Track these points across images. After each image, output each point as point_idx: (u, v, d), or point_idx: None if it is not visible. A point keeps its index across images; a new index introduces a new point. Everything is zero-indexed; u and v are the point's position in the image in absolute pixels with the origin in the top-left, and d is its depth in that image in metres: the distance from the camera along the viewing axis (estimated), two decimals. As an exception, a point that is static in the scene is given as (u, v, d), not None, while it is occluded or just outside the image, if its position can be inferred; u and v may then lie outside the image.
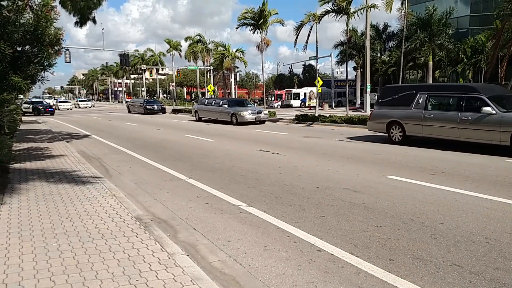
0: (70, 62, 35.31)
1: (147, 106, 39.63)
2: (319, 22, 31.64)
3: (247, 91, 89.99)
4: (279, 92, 58.95)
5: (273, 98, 56.02)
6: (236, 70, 59.36)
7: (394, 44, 46.25)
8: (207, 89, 46.58)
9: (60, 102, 58.77)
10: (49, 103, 46.96)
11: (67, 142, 15.39)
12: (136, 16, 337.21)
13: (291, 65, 79.43)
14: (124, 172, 9.50)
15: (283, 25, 50.93)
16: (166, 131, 20.25)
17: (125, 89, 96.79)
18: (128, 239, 4.69)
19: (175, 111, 40.11)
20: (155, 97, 73.87)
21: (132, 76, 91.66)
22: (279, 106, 50.78)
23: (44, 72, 9.29)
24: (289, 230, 5.19)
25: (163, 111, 40.08)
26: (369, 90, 33.73)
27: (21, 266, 3.94)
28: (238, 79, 66.63)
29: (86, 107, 61.41)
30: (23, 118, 30.45)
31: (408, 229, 5.11)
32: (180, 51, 64.41)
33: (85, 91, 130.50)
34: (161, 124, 24.88)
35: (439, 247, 4.50)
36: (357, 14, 31.65)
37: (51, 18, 8.77)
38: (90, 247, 4.45)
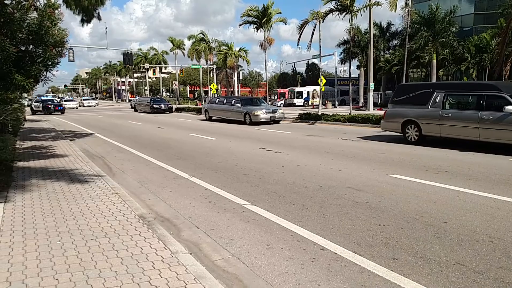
0: (73, 60, 35.21)
1: (154, 105, 38.55)
2: (323, 20, 31.60)
3: (250, 90, 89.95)
4: (282, 90, 58.93)
5: (276, 97, 56.02)
6: (239, 68, 59.26)
7: (397, 43, 46.07)
8: (210, 88, 46.50)
9: (65, 100, 58.61)
10: (59, 102, 46.25)
11: (71, 140, 15.43)
12: (139, 15, 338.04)
13: (294, 64, 79.50)
14: (127, 170, 9.52)
15: (286, 24, 50.96)
16: (169, 130, 20.28)
17: (128, 87, 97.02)
18: (131, 237, 4.70)
19: (178, 110, 40.12)
20: (158, 95, 73.91)
21: (135, 75, 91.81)
22: (282, 105, 50.73)
23: (47, 72, 9.34)
24: (292, 228, 5.18)
25: (170, 110, 39.01)
26: (373, 88, 33.66)
27: (25, 264, 3.96)
28: (241, 77, 66.58)
29: (90, 106, 61.61)
30: (30, 117, 30.59)
31: (412, 228, 5.10)
32: (184, 49, 64.47)
33: (88, 90, 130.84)
34: (165, 123, 24.91)
35: (442, 246, 4.49)
36: (361, 13, 31.62)
37: (55, 19, 8.81)
38: (93, 245, 4.46)
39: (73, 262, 4.01)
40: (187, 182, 8.13)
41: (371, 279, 3.78)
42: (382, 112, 26.53)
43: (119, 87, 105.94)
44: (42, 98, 46.95)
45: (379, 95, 47.51)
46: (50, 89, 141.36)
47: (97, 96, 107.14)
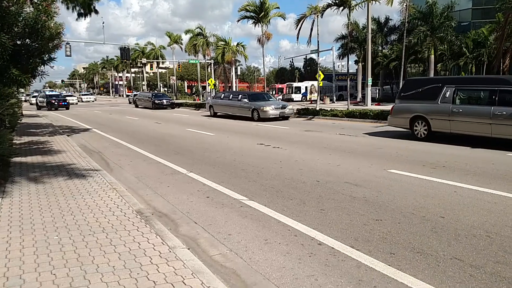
0: (70, 55, 35.07)
1: (156, 101, 37.01)
2: (322, 15, 31.52)
3: (248, 85, 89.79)
4: (280, 86, 58.86)
5: (274, 92, 55.89)
6: (237, 63, 59.13)
7: (395, 38, 45.99)
8: (208, 83, 46.44)
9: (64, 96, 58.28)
10: (64, 96, 42.91)
11: (68, 136, 15.39)
12: (136, 9, 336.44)
13: (292, 59, 79.27)
14: (125, 166, 9.50)
15: (284, 19, 50.73)
16: (167, 125, 20.24)
17: (125, 83, 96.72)
18: (129, 232, 4.70)
19: (176, 105, 39.90)
20: (156, 90, 73.70)
21: (132, 70, 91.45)
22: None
23: (44, 66, 9.30)
24: (290, 223, 5.19)
25: (172, 106, 37.62)
26: (371, 84, 33.63)
27: (22, 260, 3.95)
28: (239, 73, 66.41)
29: (89, 101, 61.43)
30: (28, 112, 30.41)
31: (409, 222, 5.11)
32: (181, 44, 64.20)
33: (85, 85, 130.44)
34: (162, 118, 24.86)
35: (439, 241, 4.50)
36: (359, 7, 31.54)
37: (51, 12, 8.75)
38: (91, 240, 4.46)
39: (71, 258, 4.00)
40: (185, 177, 8.13)
41: (368, 274, 3.79)
42: (380, 107, 26.61)
43: (117, 82, 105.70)
44: (47, 93, 44.70)
45: (377, 90, 47.53)
46: (47, 84, 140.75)
47: (94, 92, 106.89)
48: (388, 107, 26.95)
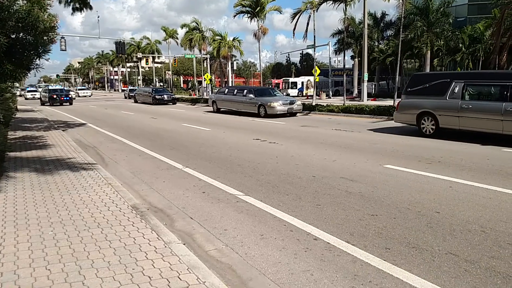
0: (65, 50, 34.66)
1: (156, 96, 35.42)
2: (317, 10, 31.44)
3: (244, 80, 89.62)
4: (276, 81, 58.78)
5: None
6: (233, 58, 58.94)
7: (392, 33, 45.97)
8: (204, 78, 46.24)
9: None
10: (68, 91, 40.43)
11: (63, 130, 15.31)
12: (132, 3, 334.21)
13: (289, 54, 78.74)
14: (120, 161, 9.47)
15: (281, 13, 50.43)
16: (162, 120, 20.17)
17: (121, 77, 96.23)
18: (124, 228, 4.68)
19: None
20: (152, 85, 73.38)
21: (128, 65, 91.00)
22: (276, 95, 50.55)
23: (39, 60, 9.21)
24: (286, 219, 5.19)
25: (173, 101, 35.91)
26: (367, 79, 33.66)
27: (17, 255, 3.93)
28: (235, 68, 66.25)
29: (85, 96, 61.04)
30: (23, 107, 30.20)
31: (404, 218, 5.13)
32: (177, 39, 63.90)
33: (81, 80, 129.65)
34: (157, 113, 24.77)
35: (435, 236, 4.52)
36: (355, 2, 31.46)
37: (44, 5, 8.65)
38: (86, 236, 4.44)
39: (66, 253, 3.98)
40: (181, 172, 8.11)
41: (363, 269, 3.80)
42: (375, 103, 26.65)
43: (112, 77, 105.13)
44: (49, 87, 43.12)
45: (373, 86, 47.56)
46: (42, 79, 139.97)
47: (89, 86, 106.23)
48: (384, 102, 27.07)
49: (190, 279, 3.45)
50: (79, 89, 68.56)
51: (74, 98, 47.87)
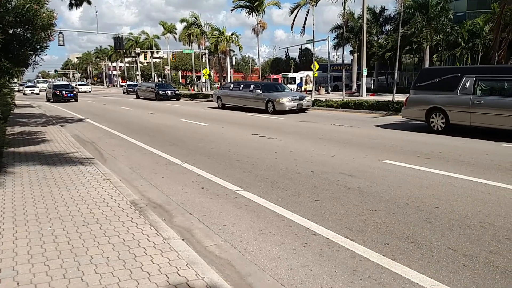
0: (63, 45, 34.53)
1: (160, 92, 34.47)
2: (316, 4, 31.31)
3: (243, 75, 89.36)
4: (275, 76, 58.50)
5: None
6: (232, 54, 58.78)
7: (391, 28, 45.82)
8: (203, 73, 46.14)
9: None
10: (73, 87, 37.49)
11: (61, 126, 15.28)
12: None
13: (287, 49, 78.74)
14: (119, 156, 9.45)
15: (279, 7, 50.36)
16: (161, 115, 20.14)
17: (119, 72, 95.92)
18: (123, 223, 4.68)
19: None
20: (150, 80, 73.18)
21: (126, 60, 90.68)
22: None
23: (35, 56, 9.17)
24: (285, 214, 5.19)
25: (177, 97, 35.19)
26: (366, 74, 33.61)
27: (15, 251, 3.92)
28: (234, 63, 66.04)
29: (85, 91, 60.73)
30: (21, 103, 30.11)
31: (403, 213, 5.13)
32: (175, 34, 63.58)
33: (79, 75, 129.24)
34: (156, 109, 24.73)
35: (433, 231, 4.52)
36: (354, -3, 31.32)
37: (42, 0, 8.60)
38: (84, 231, 4.43)
39: (64, 249, 3.98)
40: (180, 168, 8.10)
41: (362, 264, 3.81)
42: (374, 98, 26.62)
43: (110, 72, 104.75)
44: (54, 83, 41.13)
45: (372, 81, 47.44)
46: (40, 74, 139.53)
47: (88, 82, 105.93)
48: (383, 97, 27.05)
49: (189, 275, 3.46)
50: (79, 84, 68.28)
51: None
